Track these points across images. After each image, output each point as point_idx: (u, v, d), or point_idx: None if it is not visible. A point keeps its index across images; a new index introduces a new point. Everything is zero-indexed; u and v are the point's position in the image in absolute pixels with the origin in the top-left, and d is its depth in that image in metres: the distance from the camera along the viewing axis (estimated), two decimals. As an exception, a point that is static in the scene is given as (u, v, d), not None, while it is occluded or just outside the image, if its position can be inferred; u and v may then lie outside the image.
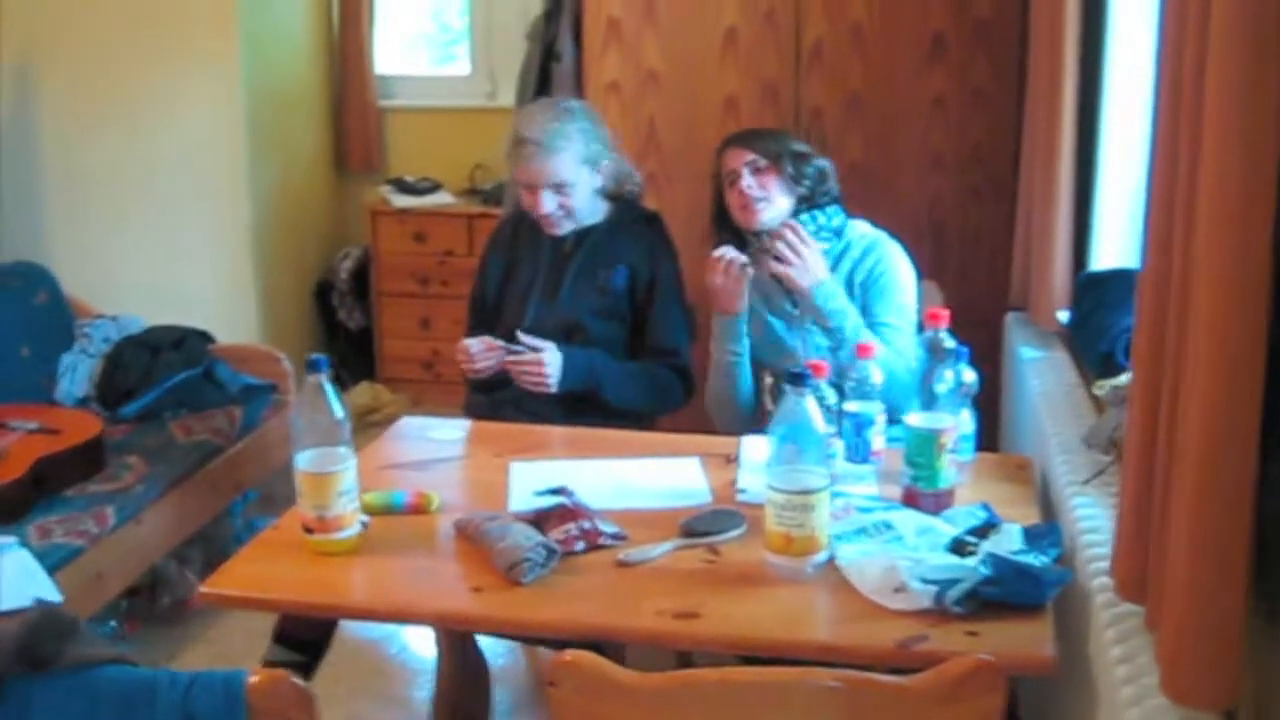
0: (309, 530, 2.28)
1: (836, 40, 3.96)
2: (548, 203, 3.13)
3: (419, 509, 2.46)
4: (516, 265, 3.27)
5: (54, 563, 3.28)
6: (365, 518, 2.36)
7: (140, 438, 4.00)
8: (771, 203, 3.04)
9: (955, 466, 2.38)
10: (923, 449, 2.34)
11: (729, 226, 3.13)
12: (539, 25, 4.54)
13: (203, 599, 2.23)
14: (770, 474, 2.12)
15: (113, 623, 3.73)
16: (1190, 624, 1.49)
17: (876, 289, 3.02)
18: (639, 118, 4.01)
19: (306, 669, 2.68)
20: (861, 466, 2.49)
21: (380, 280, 5.67)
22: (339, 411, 2.27)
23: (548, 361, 3.02)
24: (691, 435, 2.87)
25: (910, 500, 2.37)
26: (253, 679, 1.63)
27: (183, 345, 4.39)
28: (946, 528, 2.24)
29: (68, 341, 4.42)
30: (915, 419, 2.36)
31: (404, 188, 5.66)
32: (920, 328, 2.91)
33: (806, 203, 3.07)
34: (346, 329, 5.80)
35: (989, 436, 3.37)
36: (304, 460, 2.27)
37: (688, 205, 4.06)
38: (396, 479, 2.61)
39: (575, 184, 3.13)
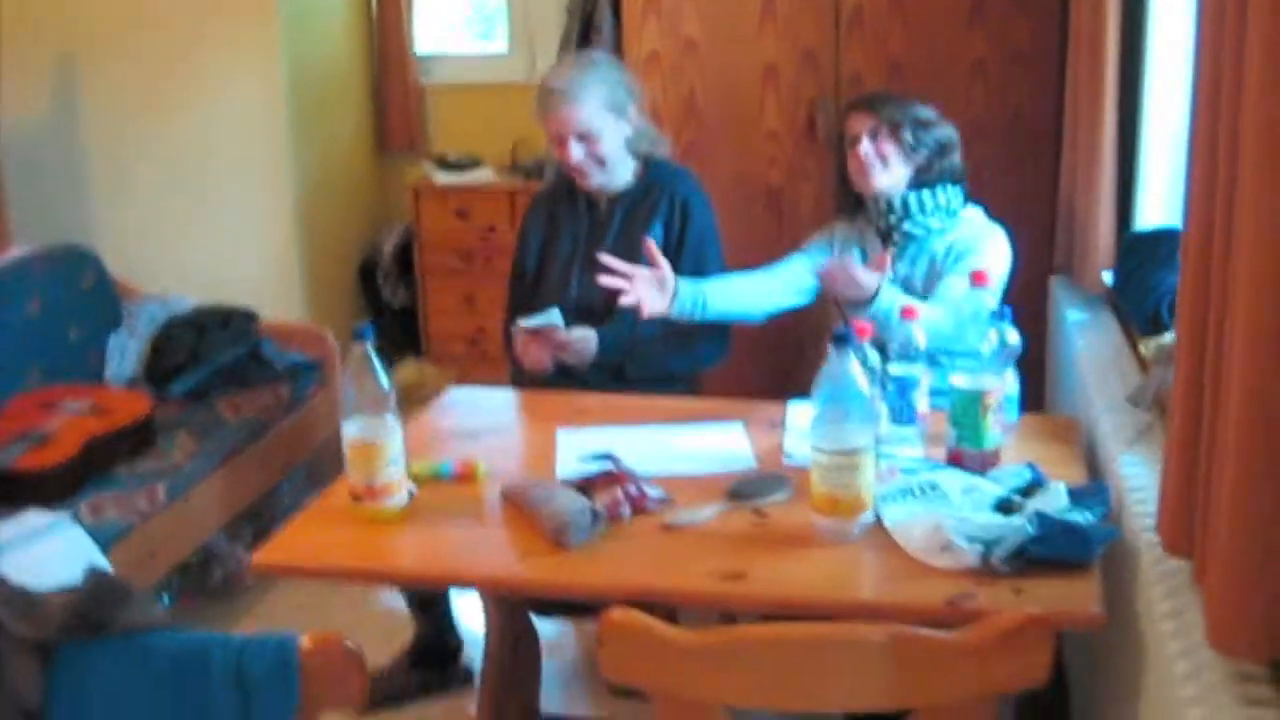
0: (357, 498, 2.31)
1: (875, 5, 3.93)
2: (576, 152, 3.14)
3: (466, 477, 2.48)
4: (555, 237, 3.28)
5: (106, 540, 3.33)
6: (413, 486, 2.38)
7: (189, 416, 4.04)
8: (888, 170, 3.06)
9: (1000, 427, 2.38)
10: (967, 409, 2.34)
11: (851, 190, 3.17)
12: (578, -1, 4.55)
13: (255, 568, 2.26)
14: (814, 435, 2.13)
15: (165, 598, 3.78)
16: (1236, 575, 1.49)
17: (959, 269, 3.00)
18: (680, 88, 4.00)
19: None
20: (906, 429, 2.48)
21: (424, 257, 5.68)
22: (385, 381, 2.29)
23: (589, 339, 3.07)
24: (736, 401, 2.87)
25: (956, 461, 2.37)
26: (305, 641, 1.65)
27: (230, 324, 4.42)
28: (992, 487, 2.24)
29: (115, 323, 4.46)
30: (959, 380, 2.36)
31: (446, 165, 5.66)
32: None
33: (924, 173, 3.07)
34: (391, 307, 5.82)
35: (1037, 400, 3.36)
36: (352, 429, 2.29)
37: (729, 174, 4.06)
38: (445, 448, 2.63)
39: (602, 132, 3.13)
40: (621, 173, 3.22)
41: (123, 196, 5.25)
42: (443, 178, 5.61)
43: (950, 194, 3.08)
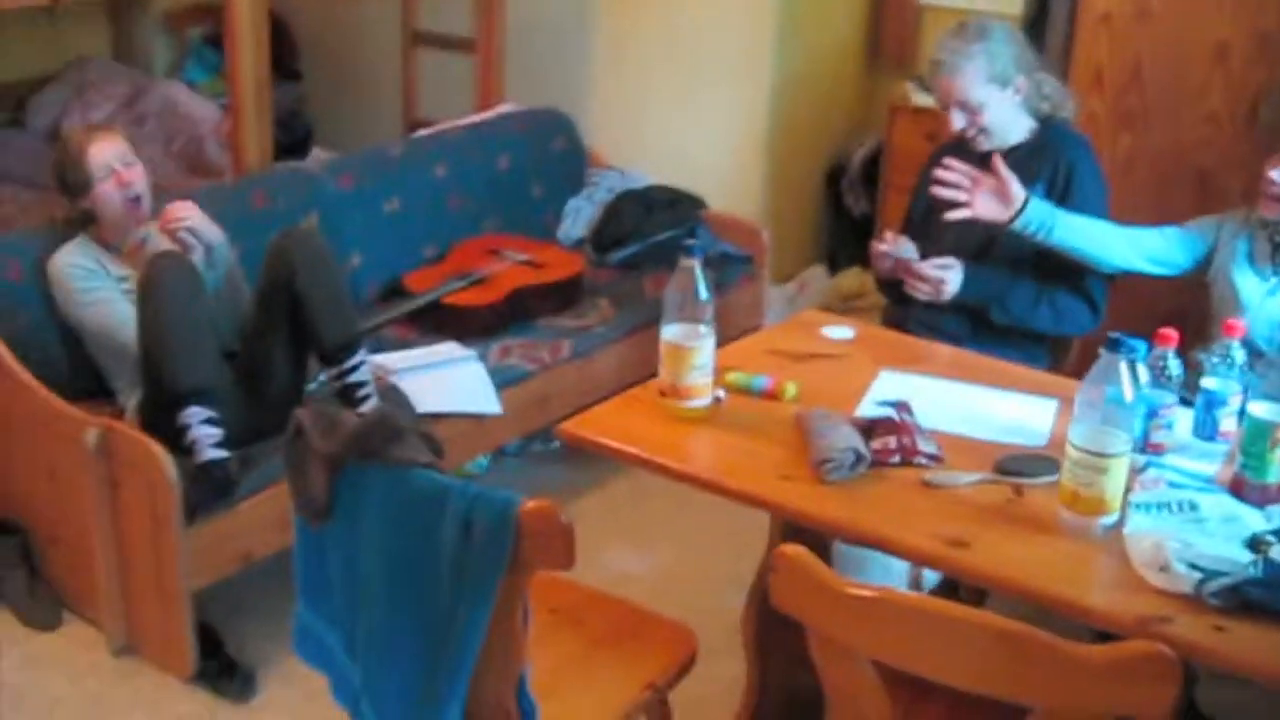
0: (663, 394, 2.57)
1: (1352, -15, 3.66)
2: (958, 120, 3.23)
3: (774, 395, 2.67)
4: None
5: (504, 380, 3.76)
6: (721, 392, 2.61)
7: (615, 285, 4.41)
8: None
9: (1292, 465, 2.32)
10: (1256, 438, 2.29)
11: None
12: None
13: (560, 433, 2.57)
14: (1072, 429, 2.18)
15: (556, 443, 4.19)
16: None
17: None
18: (1126, 53, 3.89)
19: None
20: (1207, 444, 2.47)
21: (889, 173, 5.79)
22: (705, 294, 2.53)
23: (949, 280, 3.15)
24: (1073, 379, 2.88)
25: (1237, 488, 2.33)
26: (527, 504, 1.92)
27: (675, 206, 4.75)
28: (1258, 522, 2.21)
29: (576, 187, 4.88)
30: (1257, 408, 2.32)
31: (926, 86, 5.72)
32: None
33: None
34: (850, 214, 5.98)
35: None
36: (669, 332, 2.54)
37: (1159, 149, 3.92)
38: (771, 365, 2.81)
39: (984, 103, 3.19)
40: (1013, 133, 3.26)
41: (613, 72, 5.62)
42: (921, 99, 5.67)
43: None
